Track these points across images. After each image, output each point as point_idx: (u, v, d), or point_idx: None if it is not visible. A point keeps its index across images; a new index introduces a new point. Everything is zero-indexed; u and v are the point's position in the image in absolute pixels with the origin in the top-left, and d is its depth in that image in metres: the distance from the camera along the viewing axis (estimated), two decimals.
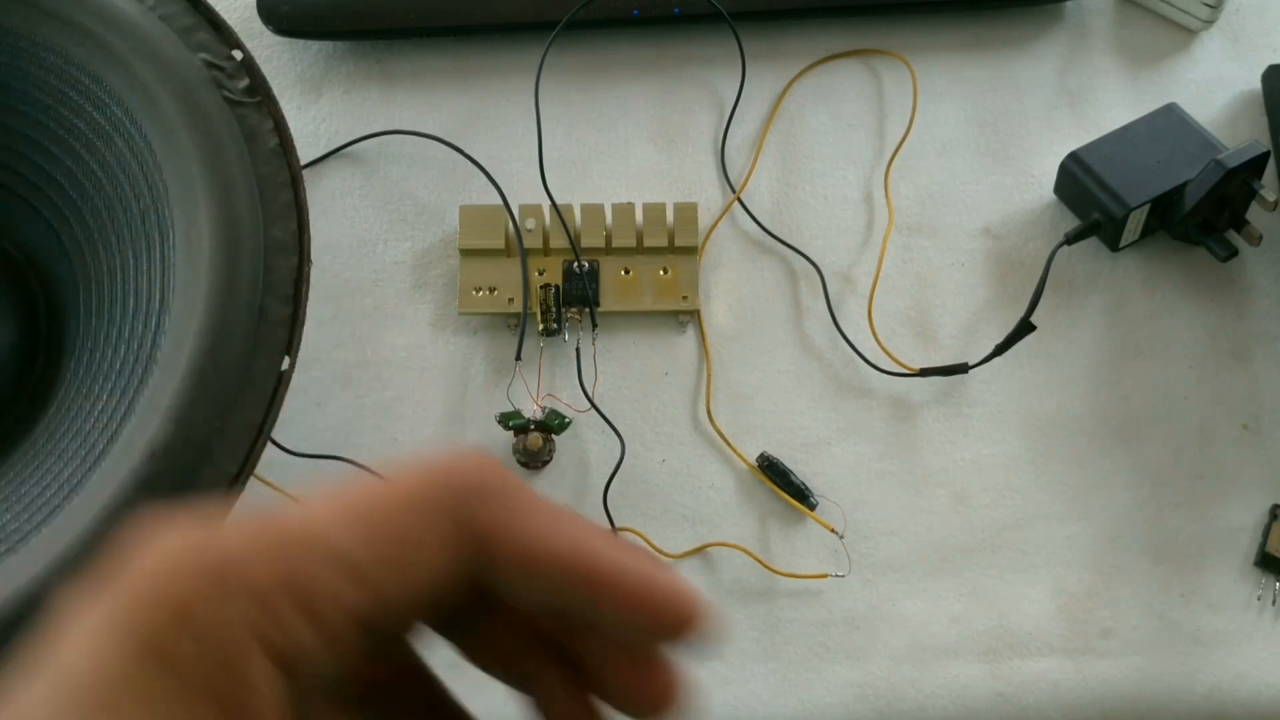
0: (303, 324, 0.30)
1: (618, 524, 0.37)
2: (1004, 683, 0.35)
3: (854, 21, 0.44)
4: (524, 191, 0.41)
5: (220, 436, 0.29)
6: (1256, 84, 0.42)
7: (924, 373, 0.38)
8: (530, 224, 0.39)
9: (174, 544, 0.13)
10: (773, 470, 0.37)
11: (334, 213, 0.42)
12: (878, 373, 0.38)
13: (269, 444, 0.32)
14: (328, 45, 0.44)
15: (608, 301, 0.39)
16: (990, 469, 0.37)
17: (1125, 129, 0.39)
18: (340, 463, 0.37)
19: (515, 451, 0.38)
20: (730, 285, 0.40)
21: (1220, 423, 0.38)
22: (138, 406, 0.29)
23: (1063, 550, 0.37)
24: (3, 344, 0.35)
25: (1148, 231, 0.39)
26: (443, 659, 0.17)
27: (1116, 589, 0.36)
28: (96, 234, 0.33)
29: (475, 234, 0.39)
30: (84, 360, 0.33)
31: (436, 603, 0.15)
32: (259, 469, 0.33)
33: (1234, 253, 0.38)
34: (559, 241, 0.39)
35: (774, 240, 0.40)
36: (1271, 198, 0.37)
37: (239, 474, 0.29)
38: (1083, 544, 0.37)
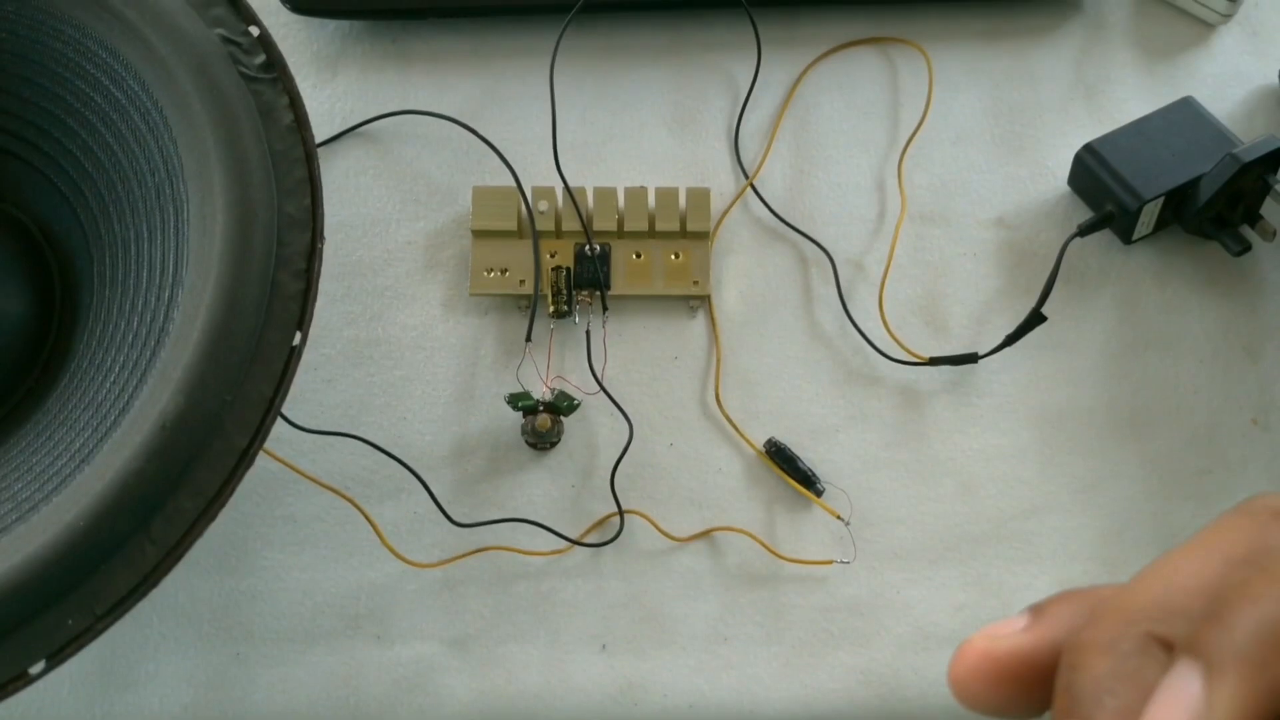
0: (315, 300, 0.30)
1: (625, 506, 0.37)
2: None
3: (870, 9, 0.43)
4: (537, 173, 0.41)
5: (231, 410, 0.29)
6: (1274, 79, 0.42)
7: (933, 362, 0.38)
8: (543, 206, 0.39)
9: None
10: (780, 456, 0.37)
11: (347, 191, 0.42)
12: (887, 361, 0.38)
13: (280, 419, 0.33)
14: (344, 24, 0.44)
15: (619, 285, 0.39)
16: (998, 459, 0.37)
17: (1141, 121, 0.39)
18: (350, 440, 0.37)
19: (524, 432, 0.38)
20: (741, 271, 0.40)
21: (1229, 417, 0.38)
22: (149, 378, 0.29)
23: (1068, 542, 0.37)
24: (17, 314, 0.35)
25: (1161, 225, 0.39)
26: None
27: (1121, 581, 0.36)
28: (111, 206, 0.34)
29: (488, 215, 0.39)
30: (97, 331, 0.33)
31: None
32: (269, 444, 0.33)
33: (1247, 247, 0.38)
34: (571, 224, 0.39)
35: (786, 227, 0.40)
36: None
37: (249, 447, 0.29)
38: (1089, 536, 0.37)
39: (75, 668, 0.36)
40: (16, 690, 0.28)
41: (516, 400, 0.37)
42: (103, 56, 0.32)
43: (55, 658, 0.28)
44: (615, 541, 0.37)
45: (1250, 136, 0.38)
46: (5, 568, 0.27)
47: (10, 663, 0.28)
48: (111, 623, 0.28)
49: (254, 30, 0.32)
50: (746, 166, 0.41)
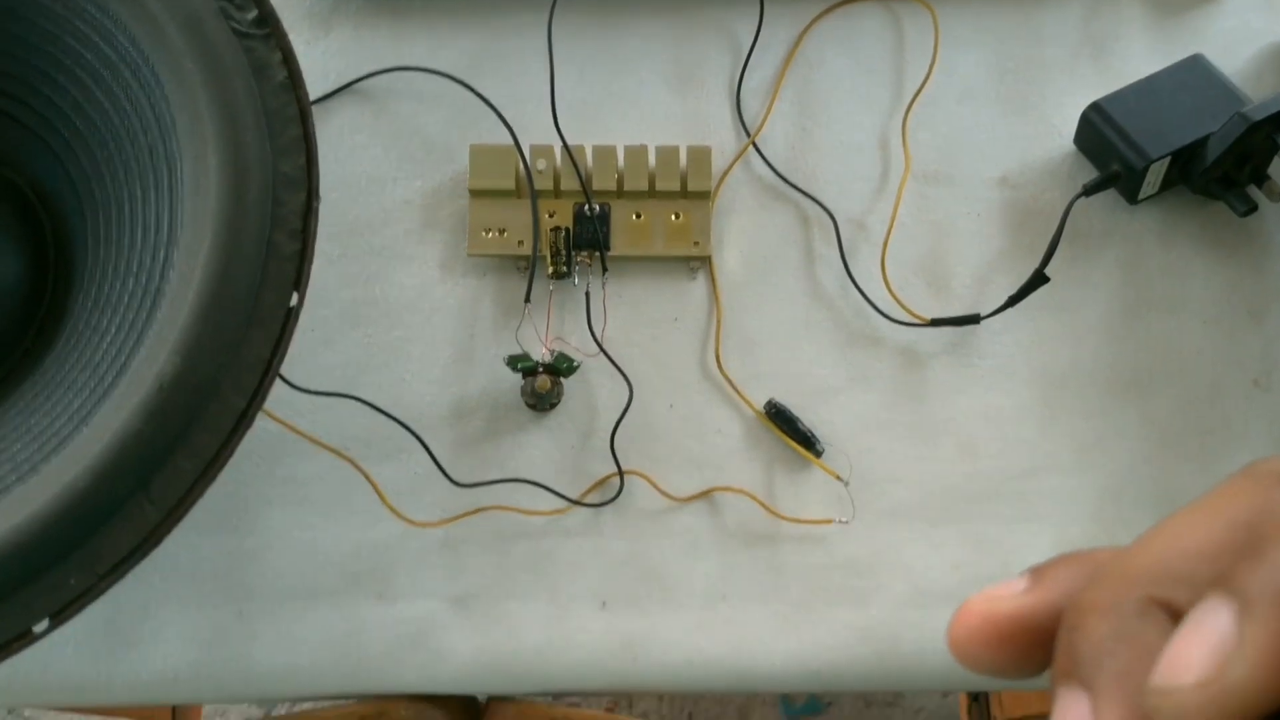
0: (311, 260, 0.30)
1: (624, 467, 0.37)
2: None
3: None
4: (535, 132, 0.40)
5: (228, 371, 0.29)
6: None
7: (935, 323, 0.38)
8: (541, 165, 0.39)
9: None
10: (780, 417, 0.37)
11: (342, 150, 0.41)
12: (888, 322, 0.38)
13: (278, 380, 0.32)
14: None
15: (618, 245, 0.39)
16: (998, 420, 0.37)
17: (1149, 79, 0.39)
18: (349, 400, 0.37)
19: (523, 394, 0.38)
20: (743, 231, 0.40)
21: (1231, 379, 0.38)
22: (146, 339, 0.29)
23: (1067, 502, 0.37)
24: (12, 275, 0.35)
25: (1167, 184, 0.39)
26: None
27: (1120, 542, 0.36)
28: (104, 166, 0.33)
29: (485, 174, 0.39)
30: (92, 292, 0.33)
31: None
32: (268, 405, 0.33)
33: (1254, 208, 0.38)
34: (570, 184, 0.39)
35: (788, 186, 0.40)
36: None
37: (247, 409, 0.29)
38: (1088, 496, 0.37)
39: (79, 626, 0.36)
40: (21, 648, 0.28)
41: (516, 362, 0.37)
42: (92, 12, 0.32)
43: (58, 616, 0.28)
44: (615, 501, 0.37)
45: (1260, 95, 0.37)
46: (7, 528, 0.27)
47: (14, 621, 0.28)
48: (113, 582, 0.28)
49: None
50: (748, 125, 0.41)
